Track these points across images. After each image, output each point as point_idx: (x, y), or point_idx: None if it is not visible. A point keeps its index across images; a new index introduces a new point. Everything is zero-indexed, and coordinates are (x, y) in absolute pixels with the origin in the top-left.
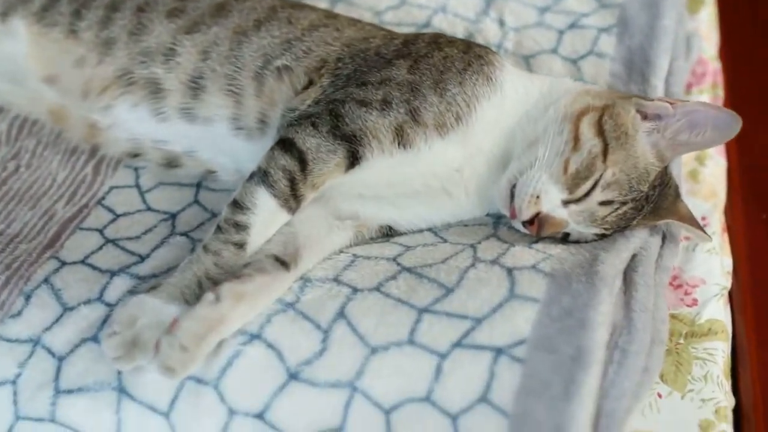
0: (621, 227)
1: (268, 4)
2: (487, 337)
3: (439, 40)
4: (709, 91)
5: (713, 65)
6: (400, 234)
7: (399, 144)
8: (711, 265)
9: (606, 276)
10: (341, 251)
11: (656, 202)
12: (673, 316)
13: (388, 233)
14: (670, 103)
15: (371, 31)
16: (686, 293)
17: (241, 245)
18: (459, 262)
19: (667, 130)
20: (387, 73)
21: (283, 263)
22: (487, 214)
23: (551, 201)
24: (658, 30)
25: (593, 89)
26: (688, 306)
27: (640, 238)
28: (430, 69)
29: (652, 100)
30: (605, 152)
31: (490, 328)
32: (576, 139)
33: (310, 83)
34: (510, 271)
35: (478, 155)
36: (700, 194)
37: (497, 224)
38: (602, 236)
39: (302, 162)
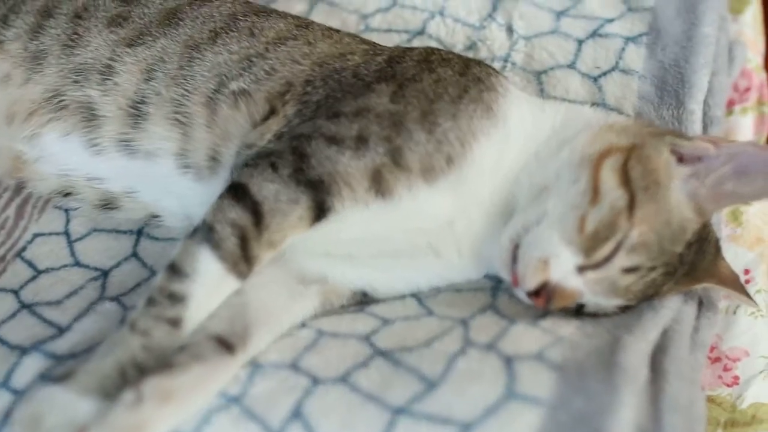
0: (648, 296)
1: (227, 10)
2: None
3: (431, 59)
4: (755, 109)
5: (759, 77)
6: (378, 301)
7: (376, 192)
8: (756, 332)
9: (629, 368)
10: (303, 324)
11: (692, 262)
12: (710, 400)
13: (363, 300)
14: (713, 144)
15: (350, 45)
16: (725, 369)
17: (176, 322)
18: (446, 346)
19: (708, 177)
20: (365, 102)
21: (227, 346)
22: (486, 275)
23: (563, 267)
24: (696, 40)
25: (618, 123)
26: (727, 385)
27: (671, 309)
28: (417, 97)
29: (690, 139)
30: (631, 207)
31: None
32: (595, 190)
33: (272, 112)
34: (509, 361)
35: (474, 206)
36: (742, 241)
37: (496, 291)
38: (625, 308)
39: (256, 214)
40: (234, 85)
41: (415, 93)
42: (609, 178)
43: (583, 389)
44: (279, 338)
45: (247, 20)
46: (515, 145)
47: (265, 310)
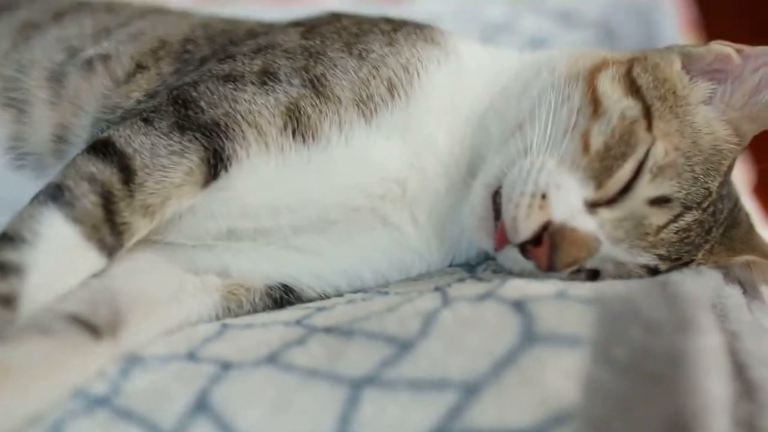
0: (682, 258)
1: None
2: (494, 417)
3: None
4: None
5: None
6: (304, 300)
7: (295, 133)
8: None
9: (696, 296)
10: (200, 322)
11: (727, 227)
12: None
13: (283, 298)
14: (735, 50)
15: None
16: None
17: (8, 300)
18: (419, 306)
19: (737, 90)
20: (268, 40)
21: (91, 329)
22: (452, 264)
23: (568, 201)
24: None
25: (604, 50)
26: None
27: (714, 280)
28: (338, 32)
29: (702, 47)
30: (648, 116)
31: (497, 398)
32: (595, 102)
33: (141, 68)
34: (518, 304)
35: (430, 157)
36: None
37: (473, 270)
38: (654, 272)
39: (126, 170)
40: (89, 53)
41: (334, 30)
42: (610, 88)
43: (638, 318)
44: (168, 333)
45: (99, 7)
46: (474, 82)
47: (144, 299)
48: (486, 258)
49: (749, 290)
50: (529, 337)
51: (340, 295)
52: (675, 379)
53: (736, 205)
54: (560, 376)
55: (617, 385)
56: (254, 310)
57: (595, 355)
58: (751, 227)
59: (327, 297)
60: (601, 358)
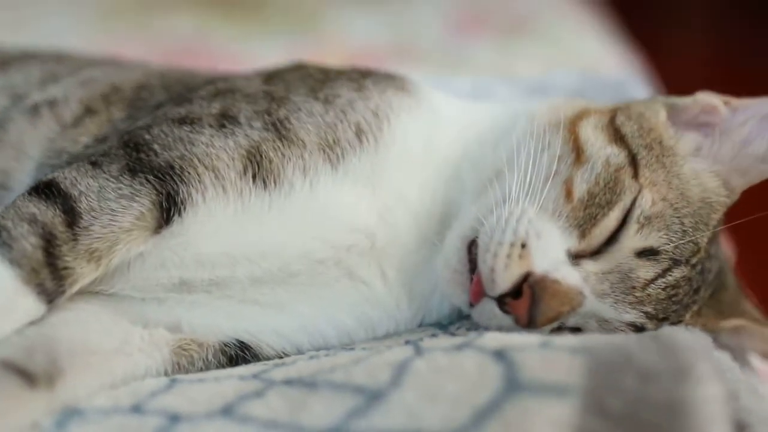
0: (670, 318)
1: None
2: None
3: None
4: None
5: None
6: (262, 359)
7: (255, 177)
8: None
9: (692, 345)
10: (147, 377)
11: (715, 290)
12: None
13: (239, 356)
14: (723, 102)
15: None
16: None
17: None
18: (389, 358)
19: (724, 145)
20: (228, 85)
21: (25, 377)
22: (422, 324)
23: (550, 251)
24: None
25: (584, 100)
26: None
27: (706, 339)
28: (303, 78)
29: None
30: (634, 164)
31: None
32: (578, 150)
33: (90, 113)
34: (499, 353)
35: (400, 206)
36: None
37: (446, 329)
38: (640, 330)
39: (70, 212)
40: (35, 98)
41: (299, 76)
42: (593, 135)
43: (631, 367)
44: (112, 387)
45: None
46: (447, 131)
47: (85, 349)
48: (460, 317)
49: (738, 358)
50: (513, 386)
51: (301, 353)
52: (675, 430)
53: (723, 268)
54: (549, 428)
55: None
56: (207, 368)
57: (587, 405)
58: (739, 292)
59: (287, 356)
60: (593, 408)
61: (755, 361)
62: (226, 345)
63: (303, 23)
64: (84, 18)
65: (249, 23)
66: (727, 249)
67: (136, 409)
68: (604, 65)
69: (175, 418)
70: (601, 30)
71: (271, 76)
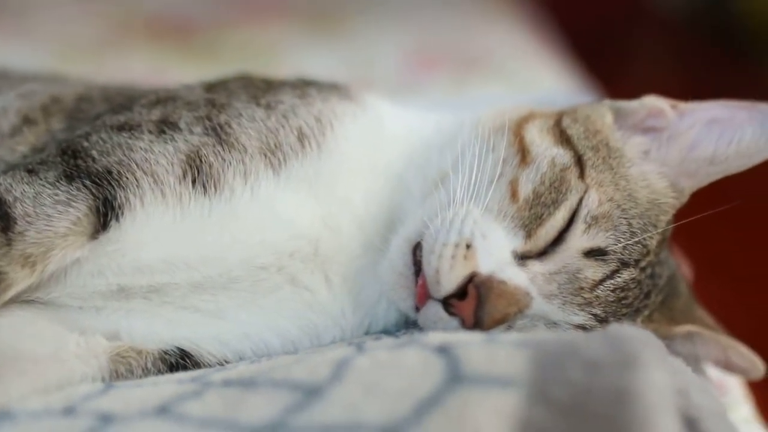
0: (620, 319)
1: None
2: None
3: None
4: None
5: None
6: (203, 367)
7: (195, 182)
8: None
9: (640, 337)
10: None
11: (666, 296)
12: None
13: (179, 364)
14: (669, 106)
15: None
16: None
17: None
18: (330, 356)
19: (672, 148)
20: (168, 94)
21: None
22: (368, 332)
23: (496, 251)
24: None
25: (530, 105)
26: None
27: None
28: (245, 86)
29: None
30: (580, 164)
31: None
32: (523, 152)
33: (28, 122)
34: (442, 348)
35: (345, 212)
36: None
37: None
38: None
39: (4, 218)
40: None
41: (242, 84)
42: (539, 137)
43: (576, 359)
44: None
45: None
46: (392, 137)
47: (16, 354)
48: (406, 324)
49: (690, 364)
50: (455, 378)
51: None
52: (622, 418)
53: (675, 274)
54: (492, 418)
55: (558, 427)
56: (146, 376)
57: (533, 395)
58: (691, 299)
59: (228, 364)
60: (538, 398)
61: (709, 369)
62: (166, 353)
63: (258, 59)
64: (40, 56)
65: (204, 61)
66: (684, 267)
67: (68, 411)
68: (560, 100)
69: (107, 419)
70: (560, 67)
71: (213, 85)
